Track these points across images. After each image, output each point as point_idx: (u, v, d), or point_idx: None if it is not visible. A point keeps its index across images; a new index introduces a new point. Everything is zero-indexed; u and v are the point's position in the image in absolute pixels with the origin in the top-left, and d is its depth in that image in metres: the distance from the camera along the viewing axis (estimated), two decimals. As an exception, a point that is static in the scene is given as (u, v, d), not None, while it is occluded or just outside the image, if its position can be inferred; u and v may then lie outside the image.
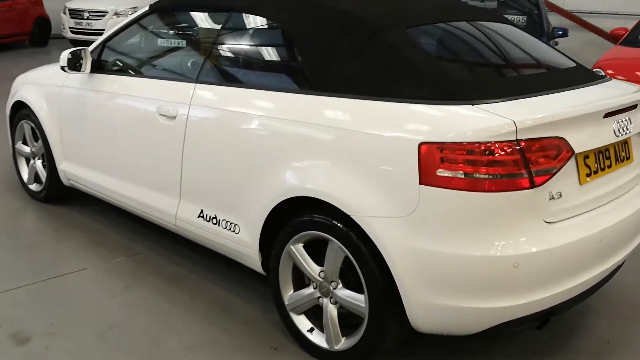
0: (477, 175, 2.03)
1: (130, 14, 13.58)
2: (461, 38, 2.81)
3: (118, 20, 12.54)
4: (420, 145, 2.09)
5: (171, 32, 3.36)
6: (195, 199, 2.95)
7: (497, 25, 2.93)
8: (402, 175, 2.13)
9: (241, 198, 2.70)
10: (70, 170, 3.79)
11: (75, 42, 13.17)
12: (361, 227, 2.23)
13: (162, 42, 3.39)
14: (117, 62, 3.52)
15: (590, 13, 12.13)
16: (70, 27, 12.66)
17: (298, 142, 2.44)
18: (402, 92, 2.25)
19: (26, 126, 4.12)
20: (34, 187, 4.22)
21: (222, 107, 2.77)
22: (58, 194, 4.13)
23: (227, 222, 2.80)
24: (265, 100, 2.62)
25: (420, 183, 2.09)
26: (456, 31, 2.77)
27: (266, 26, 2.92)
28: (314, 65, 2.53)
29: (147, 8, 3.38)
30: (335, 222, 2.32)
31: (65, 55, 3.38)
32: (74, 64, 3.41)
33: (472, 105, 2.12)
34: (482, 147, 2.02)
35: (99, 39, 3.61)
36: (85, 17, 12.54)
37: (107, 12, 12.52)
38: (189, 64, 3.13)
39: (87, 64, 3.46)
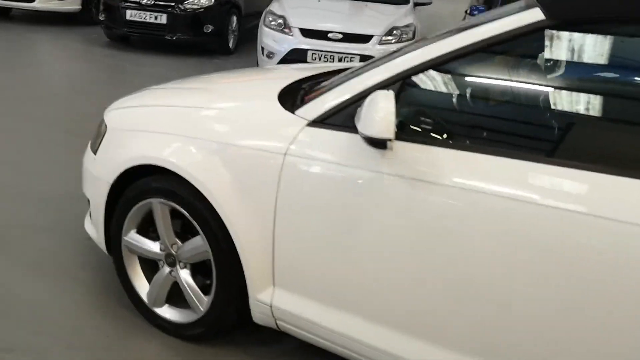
0: None
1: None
2: None
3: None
4: None
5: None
6: None
7: None
8: None
9: None
10: (290, 306, 1.99)
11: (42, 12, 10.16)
12: None
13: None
14: (463, 122, 1.78)
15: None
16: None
17: None
18: None
19: (159, 208, 2.25)
20: (166, 313, 2.35)
21: None
22: (226, 330, 2.33)
23: None
24: None
25: None
26: None
27: None
28: None
29: (535, 16, 1.65)
30: None
31: (384, 114, 1.59)
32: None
33: None
34: None
35: (387, 70, 1.78)
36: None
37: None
38: None
39: (388, 120, 1.69)
